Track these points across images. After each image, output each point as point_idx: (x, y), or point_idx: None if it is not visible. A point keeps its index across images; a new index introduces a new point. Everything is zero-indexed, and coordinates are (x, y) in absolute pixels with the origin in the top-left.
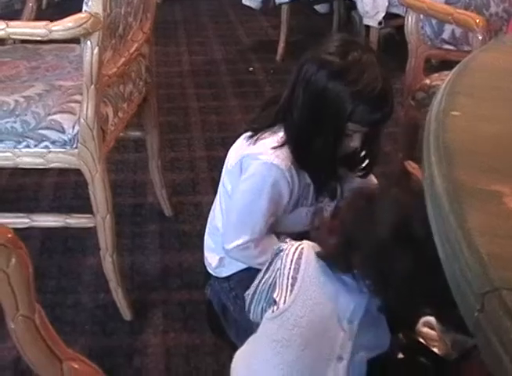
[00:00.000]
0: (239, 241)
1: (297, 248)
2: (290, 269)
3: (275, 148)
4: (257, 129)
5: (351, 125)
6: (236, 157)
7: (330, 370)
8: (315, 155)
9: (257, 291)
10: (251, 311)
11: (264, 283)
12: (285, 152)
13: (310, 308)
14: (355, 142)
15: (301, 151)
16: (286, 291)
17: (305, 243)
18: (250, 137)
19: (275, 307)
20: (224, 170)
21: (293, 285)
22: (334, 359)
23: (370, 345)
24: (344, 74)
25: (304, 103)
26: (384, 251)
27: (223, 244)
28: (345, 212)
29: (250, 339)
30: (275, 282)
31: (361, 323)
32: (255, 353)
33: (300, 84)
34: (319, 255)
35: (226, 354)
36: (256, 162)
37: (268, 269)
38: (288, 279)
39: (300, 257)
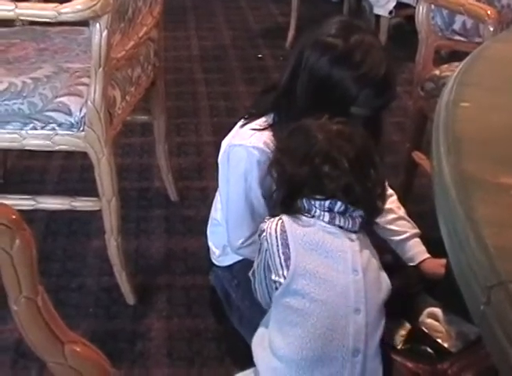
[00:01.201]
0: (246, 234)
1: (277, 224)
2: (277, 246)
3: (254, 130)
4: (253, 115)
5: (355, 109)
6: (224, 146)
7: (351, 324)
8: None
9: (256, 274)
10: (256, 290)
11: (258, 266)
12: (267, 135)
13: (312, 272)
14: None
15: None
16: (282, 268)
17: (283, 215)
18: (242, 124)
19: (278, 284)
20: None
21: (286, 260)
22: (352, 313)
23: (377, 287)
24: (348, 58)
25: (308, 89)
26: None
27: (230, 244)
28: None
29: (264, 321)
30: (269, 263)
31: (364, 270)
32: (274, 332)
33: (303, 70)
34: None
35: (229, 340)
36: (238, 149)
37: (259, 251)
38: (280, 256)
39: (283, 230)
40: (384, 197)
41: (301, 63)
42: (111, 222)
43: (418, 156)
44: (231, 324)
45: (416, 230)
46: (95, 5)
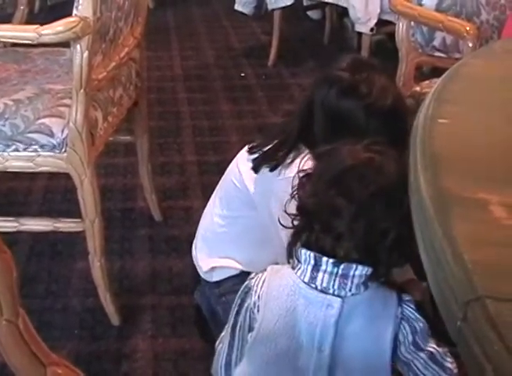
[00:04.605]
0: None
1: (261, 279)
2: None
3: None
4: (281, 160)
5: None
6: (266, 185)
7: None
8: None
9: (236, 338)
10: (231, 363)
11: (240, 328)
12: None
13: (273, 342)
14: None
15: None
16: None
17: (269, 268)
18: (275, 166)
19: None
20: (242, 192)
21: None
22: None
23: (358, 369)
24: (354, 90)
25: (322, 123)
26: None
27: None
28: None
29: None
30: (254, 320)
31: (334, 347)
32: None
33: (315, 105)
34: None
35: None
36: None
37: (239, 311)
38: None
39: (263, 286)
40: (403, 246)
41: (313, 99)
42: (95, 243)
43: None
44: None
45: None
46: (75, 26)
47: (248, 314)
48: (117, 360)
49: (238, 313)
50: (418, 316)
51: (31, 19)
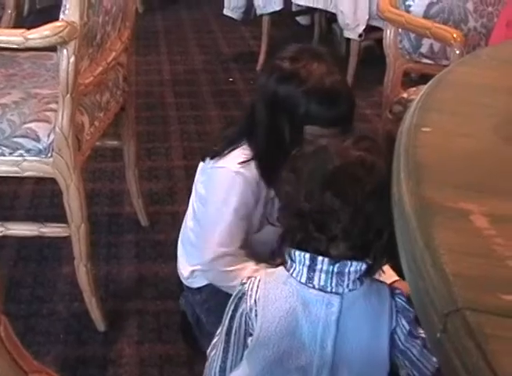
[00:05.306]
0: (218, 252)
1: (255, 283)
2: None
3: (242, 162)
4: (220, 150)
5: (311, 129)
6: (204, 174)
7: None
8: (279, 167)
9: (231, 343)
10: (226, 369)
11: (235, 333)
12: (253, 167)
13: (275, 343)
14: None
15: (266, 164)
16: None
17: (262, 271)
18: (215, 156)
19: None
20: (194, 188)
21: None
22: None
23: (359, 363)
24: (293, 76)
25: (262, 112)
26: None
27: (200, 260)
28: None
29: None
30: (250, 324)
31: (336, 343)
32: None
33: (257, 93)
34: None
35: (200, 365)
36: (223, 171)
37: (233, 316)
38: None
39: (258, 290)
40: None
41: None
42: (80, 248)
43: None
44: (202, 349)
45: None
46: (62, 31)
47: (244, 319)
48: (103, 366)
49: (232, 318)
50: (408, 307)
51: (20, 22)
